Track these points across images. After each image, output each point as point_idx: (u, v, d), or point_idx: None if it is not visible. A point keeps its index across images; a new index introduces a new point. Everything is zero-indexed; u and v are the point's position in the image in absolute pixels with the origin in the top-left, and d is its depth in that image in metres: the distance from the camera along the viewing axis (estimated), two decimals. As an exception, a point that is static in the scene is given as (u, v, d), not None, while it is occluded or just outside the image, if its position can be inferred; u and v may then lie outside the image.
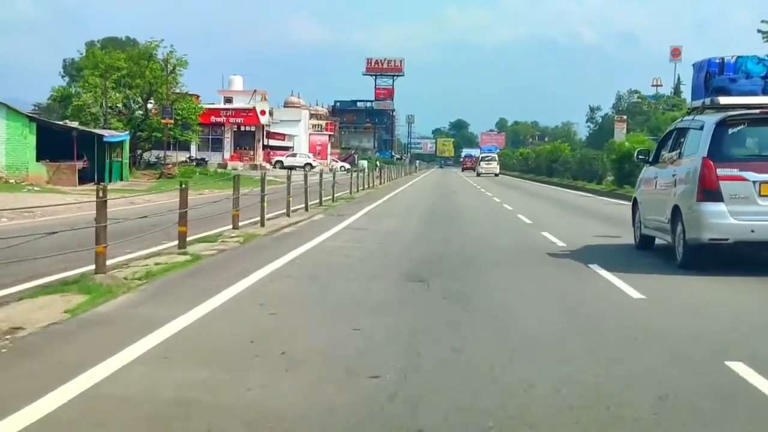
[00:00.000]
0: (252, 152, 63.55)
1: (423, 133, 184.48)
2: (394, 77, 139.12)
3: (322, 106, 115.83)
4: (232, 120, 63.01)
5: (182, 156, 50.88)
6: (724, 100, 10.10)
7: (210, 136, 61.43)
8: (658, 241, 11.28)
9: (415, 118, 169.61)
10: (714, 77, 10.44)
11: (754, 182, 9.13)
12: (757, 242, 9.34)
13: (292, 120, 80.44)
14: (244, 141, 65.06)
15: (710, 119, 9.77)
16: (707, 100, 10.35)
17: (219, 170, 48.78)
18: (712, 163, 9.26)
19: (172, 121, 43.90)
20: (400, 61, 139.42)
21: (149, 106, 47.13)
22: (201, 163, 51.95)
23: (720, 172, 9.20)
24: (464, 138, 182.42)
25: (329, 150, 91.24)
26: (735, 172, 9.19)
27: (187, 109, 46.99)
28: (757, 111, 9.63)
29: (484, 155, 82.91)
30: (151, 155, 48.62)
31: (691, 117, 10.77)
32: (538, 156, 65.94)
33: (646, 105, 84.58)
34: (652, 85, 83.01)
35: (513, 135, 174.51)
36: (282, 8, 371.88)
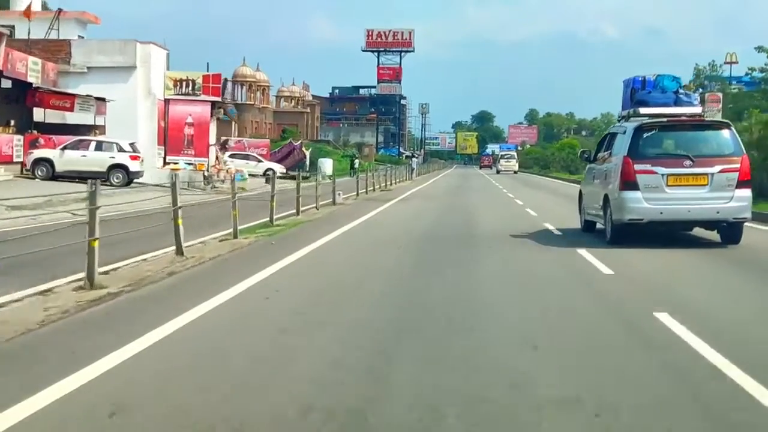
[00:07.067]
0: None
1: (442, 128, 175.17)
2: (402, 53, 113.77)
3: (302, 86, 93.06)
4: None
5: None
6: (643, 110, 13.81)
7: None
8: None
9: (430, 109, 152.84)
10: (638, 92, 14.16)
11: (662, 175, 12.65)
12: (665, 221, 12.97)
13: (116, 66, 35.84)
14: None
15: (631, 126, 13.34)
16: (631, 111, 14.08)
17: None
18: (630, 160, 12.81)
19: None
20: (409, 33, 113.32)
21: None
22: None
23: (637, 167, 12.74)
24: (489, 132, 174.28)
25: (213, 134, 40.23)
26: (648, 167, 12.72)
27: None
28: (665, 120, 13.32)
29: (503, 153, 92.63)
30: None
31: (619, 124, 14.48)
32: None
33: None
34: (726, 62, 68.28)
35: (545, 128, 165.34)
36: (295, 3, 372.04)
